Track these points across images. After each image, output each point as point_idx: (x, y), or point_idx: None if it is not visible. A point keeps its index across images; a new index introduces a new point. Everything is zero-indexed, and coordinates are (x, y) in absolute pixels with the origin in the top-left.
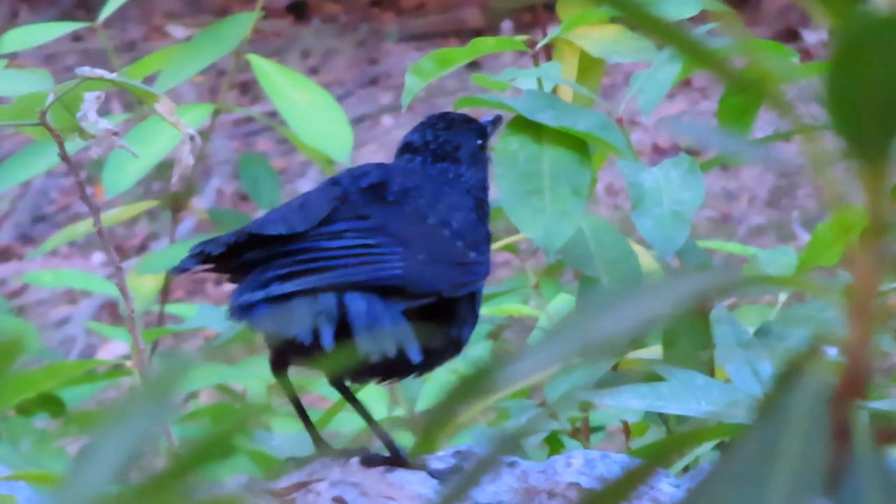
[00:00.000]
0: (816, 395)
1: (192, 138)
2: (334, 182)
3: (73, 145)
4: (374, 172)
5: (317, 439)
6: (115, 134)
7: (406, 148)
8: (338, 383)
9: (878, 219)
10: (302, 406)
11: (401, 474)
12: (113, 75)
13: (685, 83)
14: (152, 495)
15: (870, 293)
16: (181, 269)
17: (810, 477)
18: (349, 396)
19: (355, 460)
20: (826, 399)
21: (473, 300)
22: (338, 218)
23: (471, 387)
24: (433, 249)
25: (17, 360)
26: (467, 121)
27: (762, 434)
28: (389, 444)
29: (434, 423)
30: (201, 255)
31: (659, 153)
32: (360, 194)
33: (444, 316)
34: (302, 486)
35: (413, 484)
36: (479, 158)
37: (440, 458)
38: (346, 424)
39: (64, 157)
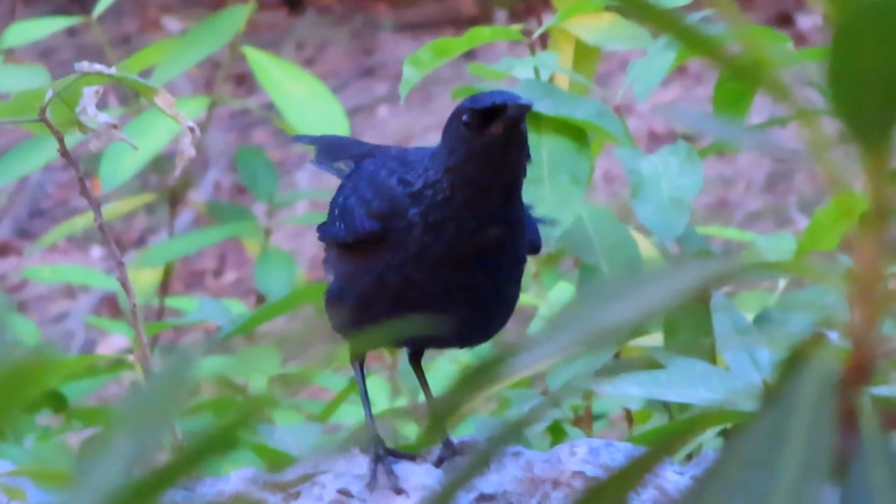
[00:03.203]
0: (823, 381)
1: (192, 130)
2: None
3: (71, 139)
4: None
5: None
6: (115, 128)
7: None
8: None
9: (881, 202)
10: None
11: (405, 466)
12: (111, 70)
13: (680, 70)
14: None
15: (874, 277)
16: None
17: (818, 462)
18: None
19: (358, 452)
20: (832, 385)
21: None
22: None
23: (477, 377)
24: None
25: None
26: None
27: (769, 420)
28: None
29: (441, 413)
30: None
31: (655, 140)
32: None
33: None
34: (307, 478)
35: (418, 475)
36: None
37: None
38: (349, 416)
39: (64, 152)
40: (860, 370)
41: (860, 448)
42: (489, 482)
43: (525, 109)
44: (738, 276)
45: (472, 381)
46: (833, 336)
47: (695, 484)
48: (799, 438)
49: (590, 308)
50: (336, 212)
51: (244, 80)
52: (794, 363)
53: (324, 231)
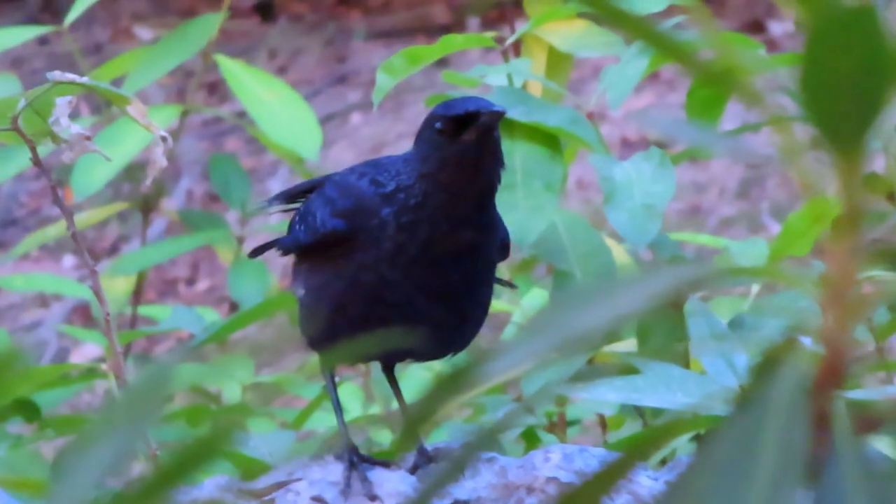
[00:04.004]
0: (795, 386)
1: (163, 139)
2: None
3: (44, 149)
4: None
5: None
6: (88, 139)
7: None
8: (386, 370)
9: (853, 208)
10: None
11: (380, 473)
12: (84, 79)
13: (653, 76)
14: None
15: (846, 282)
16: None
17: (792, 467)
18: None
19: (332, 459)
20: (805, 389)
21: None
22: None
23: (450, 383)
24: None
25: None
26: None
27: (742, 425)
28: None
29: (415, 420)
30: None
31: (628, 146)
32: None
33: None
34: (281, 485)
35: (392, 481)
36: (422, 141)
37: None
38: (322, 423)
39: (37, 162)
40: (833, 374)
41: (834, 452)
42: (464, 488)
43: (498, 116)
44: (710, 282)
45: (446, 387)
46: (807, 341)
47: (669, 489)
48: (772, 443)
49: (562, 314)
50: (296, 218)
51: (217, 89)
52: (767, 368)
53: (283, 241)
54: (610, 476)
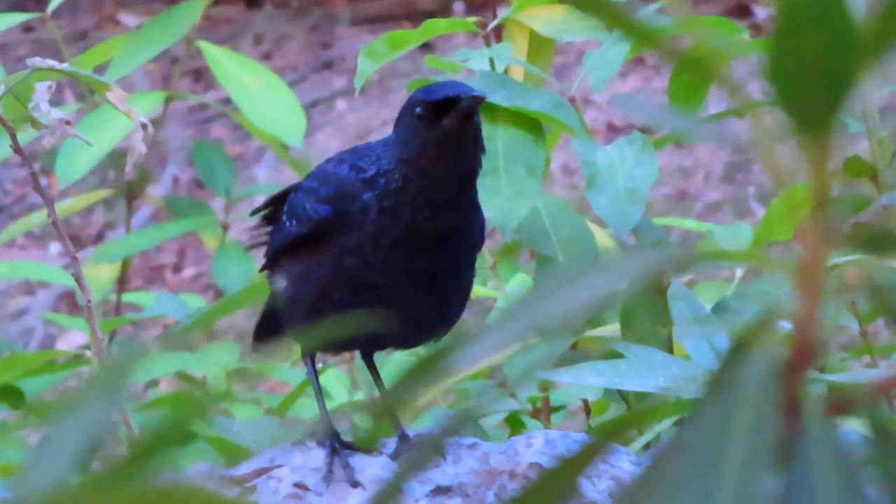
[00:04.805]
0: (766, 369)
1: (143, 126)
2: None
3: (26, 136)
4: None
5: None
6: (68, 123)
7: None
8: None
9: (822, 193)
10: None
11: (362, 459)
12: (64, 65)
13: (638, 61)
14: (111, 484)
15: (817, 267)
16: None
17: (762, 451)
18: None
19: (313, 445)
20: (776, 373)
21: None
22: None
23: (425, 369)
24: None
25: None
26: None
27: (713, 410)
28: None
29: (391, 402)
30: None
31: (614, 131)
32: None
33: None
34: (263, 472)
35: (374, 468)
36: (402, 126)
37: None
38: (307, 409)
39: (17, 148)
40: (804, 358)
41: (804, 435)
42: (445, 474)
43: (478, 101)
44: (691, 265)
45: (421, 372)
46: (785, 325)
47: (643, 474)
48: (743, 427)
49: (541, 297)
50: (283, 217)
51: (202, 75)
52: (738, 352)
53: (273, 244)
54: (586, 458)
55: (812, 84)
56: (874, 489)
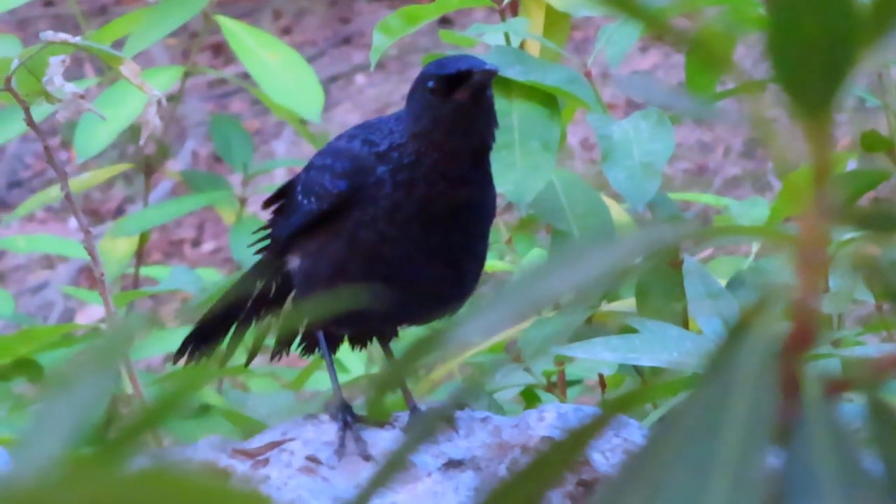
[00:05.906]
0: (765, 348)
1: (158, 101)
2: None
3: (42, 110)
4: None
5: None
6: (82, 97)
7: None
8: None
9: (822, 170)
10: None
11: (374, 432)
12: (77, 39)
13: (658, 36)
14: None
15: (816, 244)
16: None
17: (760, 430)
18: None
19: (326, 419)
20: (775, 351)
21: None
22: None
23: (432, 341)
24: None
25: None
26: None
27: (712, 388)
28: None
29: (393, 378)
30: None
31: (634, 107)
32: None
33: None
34: (275, 445)
35: (386, 441)
36: (414, 100)
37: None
38: (324, 384)
39: (30, 122)
40: (803, 336)
41: (803, 414)
42: (457, 448)
43: (491, 75)
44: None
45: (431, 342)
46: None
47: (641, 451)
48: (741, 406)
49: (554, 269)
50: (299, 197)
51: (221, 50)
52: (739, 329)
53: (288, 226)
54: (592, 429)
55: (811, 62)
56: (873, 468)
